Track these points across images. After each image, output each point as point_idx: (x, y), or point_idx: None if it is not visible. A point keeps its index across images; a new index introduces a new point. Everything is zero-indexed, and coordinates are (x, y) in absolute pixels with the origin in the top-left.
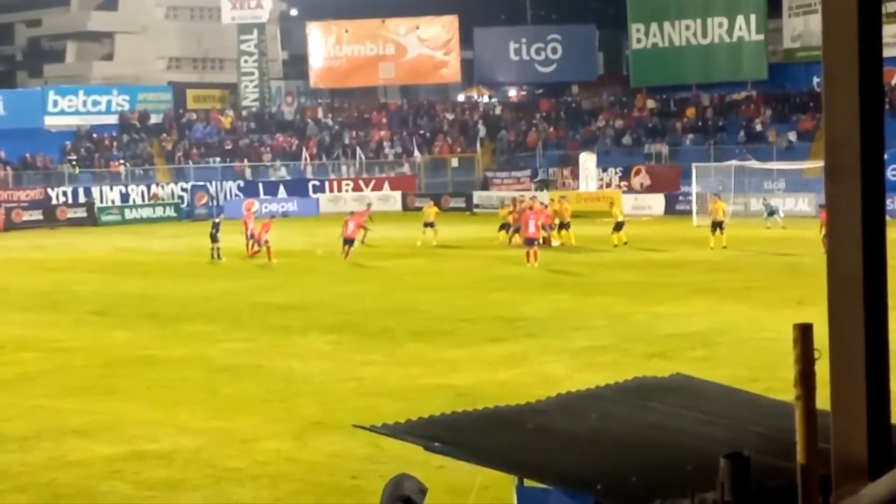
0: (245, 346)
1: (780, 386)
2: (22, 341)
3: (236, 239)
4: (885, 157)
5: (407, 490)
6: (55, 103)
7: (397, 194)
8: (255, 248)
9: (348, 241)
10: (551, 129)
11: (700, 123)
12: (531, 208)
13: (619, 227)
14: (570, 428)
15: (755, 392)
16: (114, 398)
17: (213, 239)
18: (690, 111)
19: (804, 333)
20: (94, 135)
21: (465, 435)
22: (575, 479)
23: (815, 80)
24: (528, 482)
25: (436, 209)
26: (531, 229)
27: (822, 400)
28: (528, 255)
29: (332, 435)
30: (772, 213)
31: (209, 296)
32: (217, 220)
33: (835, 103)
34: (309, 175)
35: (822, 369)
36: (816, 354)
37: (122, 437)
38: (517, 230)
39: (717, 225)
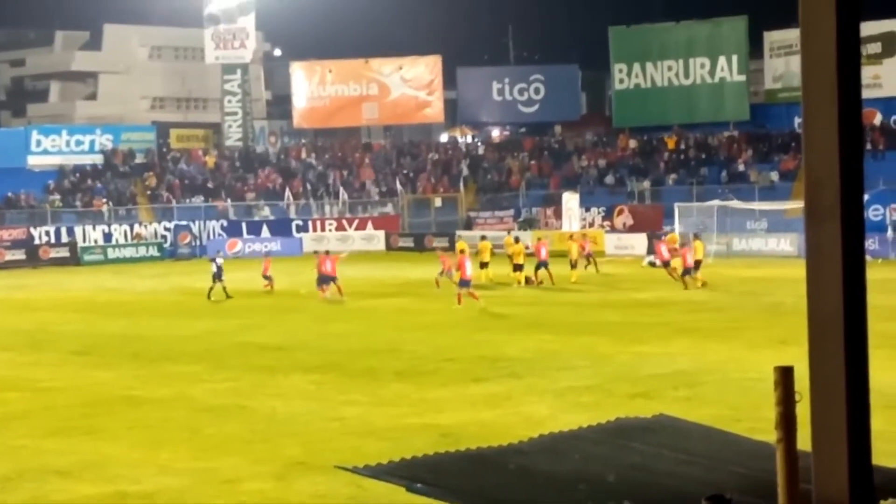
0: (228, 385)
1: (763, 426)
2: (4, 381)
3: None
4: (867, 197)
5: None
6: (38, 143)
7: (381, 234)
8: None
9: (327, 280)
10: (534, 169)
11: (682, 163)
12: (463, 251)
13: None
14: (553, 469)
15: (738, 433)
16: (96, 438)
17: (217, 279)
18: (672, 149)
19: (785, 376)
20: (78, 174)
21: (447, 476)
22: None
23: (797, 120)
24: None
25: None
26: (467, 272)
27: (805, 440)
28: (458, 296)
29: (316, 475)
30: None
31: (192, 335)
32: (218, 260)
33: (815, 144)
34: (292, 215)
35: (805, 409)
36: (798, 397)
37: (104, 477)
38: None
39: (697, 264)
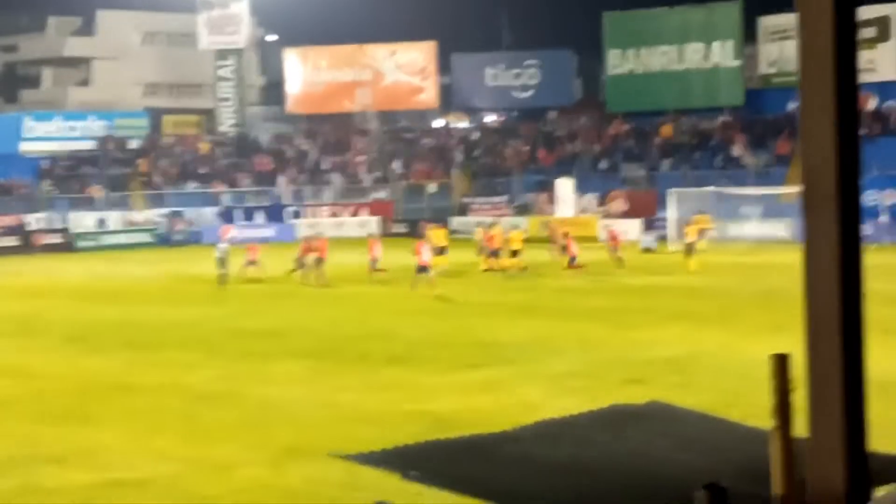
0: (222, 372)
1: (758, 412)
2: None
3: (208, 264)
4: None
5: None
6: (31, 129)
7: (375, 220)
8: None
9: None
10: (528, 155)
11: (677, 149)
12: (422, 237)
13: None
14: (547, 456)
15: (732, 419)
16: (89, 425)
17: (221, 265)
18: (667, 135)
19: (781, 364)
20: (71, 160)
21: (441, 463)
22: None
23: (791, 105)
24: None
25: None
26: (424, 257)
27: (801, 426)
28: (413, 282)
29: (309, 462)
30: (647, 250)
31: (186, 322)
32: (223, 246)
33: (811, 131)
34: (286, 201)
35: (802, 396)
36: (793, 385)
37: (97, 464)
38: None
39: (689, 247)
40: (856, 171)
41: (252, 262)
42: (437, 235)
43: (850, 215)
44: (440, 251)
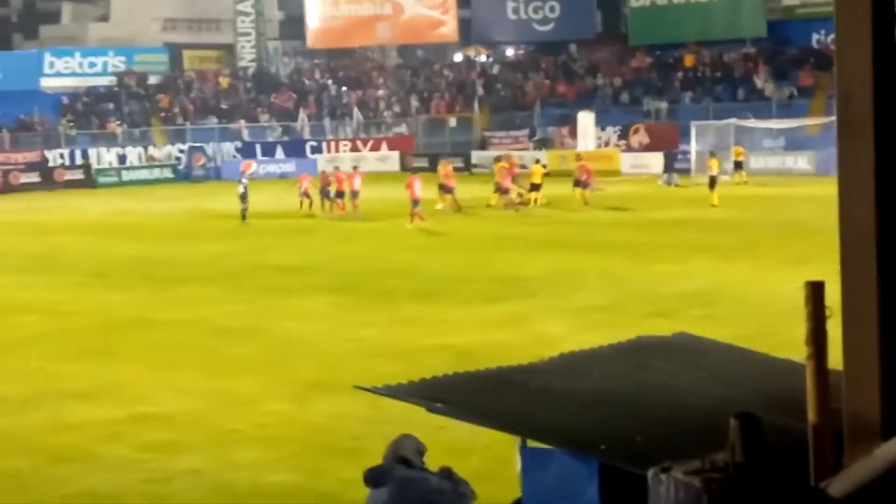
0: (244, 307)
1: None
2: (20, 304)
3: (228, 200)
4: None
5: (405, 450)
6: (51, 65)
7: (395, 154)
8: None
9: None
10: (549, 88)
11: (699, 81)
12: (415, 173)
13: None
14: (572, 388)
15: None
16: (113, 361)
17: (243, 200)
18: (689, 67)
19: (815, 291)
20: (91, 96)
21: (466, 395)
22: (579, 439)
23: (815, 36)
24: (530, 443)
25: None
26: (416, 193)
27: (833, 358)
28: (411, 216)
29: (332, 396)
30: (669, 183)
31: (207, 258)
32: (245, 181)
33: (846, 55)
34: (306, 136)
35: (832, 328)
36: (828, 312)
37: (121, 399)
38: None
39: (713, 181)
40: (892, 98)
41: (306, 195)
42: (444, 173)
43: (886, 142)
44: (448, 190)
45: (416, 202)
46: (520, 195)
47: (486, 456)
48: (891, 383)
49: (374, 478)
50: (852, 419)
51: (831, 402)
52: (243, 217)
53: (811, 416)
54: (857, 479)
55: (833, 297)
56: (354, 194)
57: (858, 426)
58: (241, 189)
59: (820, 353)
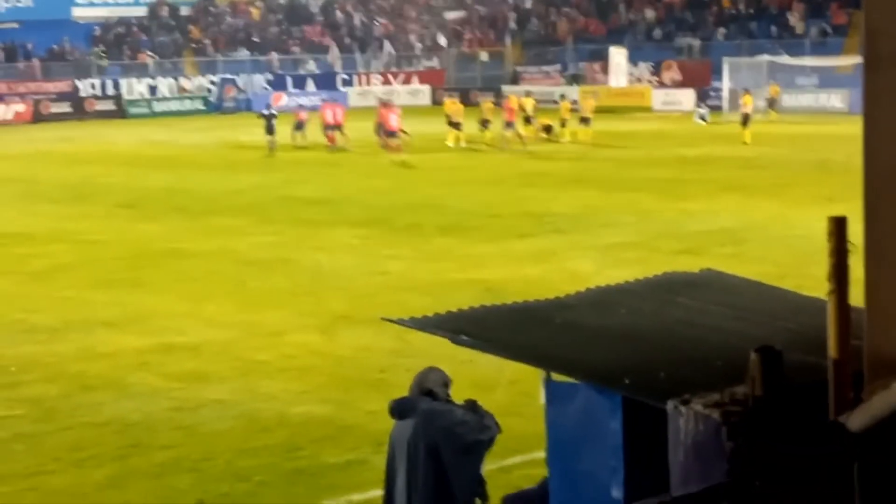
0: (273, 239)
1: (810, 283)
2: (51, 233)
3: (258, 132)
4: None
5: (430, 383)
6: None
7: (426, 88)
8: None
9: (390, 133)
10: (581, 23)
11: (732, 18)
12: (386, 105)
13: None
14: (599, 323)
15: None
16: (142, 291)
17: (270, 131)
18: (723, 4)
19: (838, 226)
20: (123, 26)
21: (492, 329)
22: (603, 373)
23: None
24: (555, 377)
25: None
26: (393, 123)
27: (856, 296)
28: (389, 146)
29: (360, 329)
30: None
31: (237, 189)
32: (271, 113)
33: None
34: (338, 69)
35: (855, 266)
36: (851, 248)
37: (150, 329)
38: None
39: (746, 119)
40: None
41: (336, 127)
42: (452, 109)
43: None
44: (456, 125)
45: (391, 133)
46: (518, 134)
47: (511, 390)
48: None
49: (399, 409)
50: (873, 355)
51: (853, 339)
52: (271, 148)
53: (832, 351)
54: (876, 412)
55: (858, 234)
56: (338, 126)
57: (879, 362)
58: (265, 122)
59: (842, 289)
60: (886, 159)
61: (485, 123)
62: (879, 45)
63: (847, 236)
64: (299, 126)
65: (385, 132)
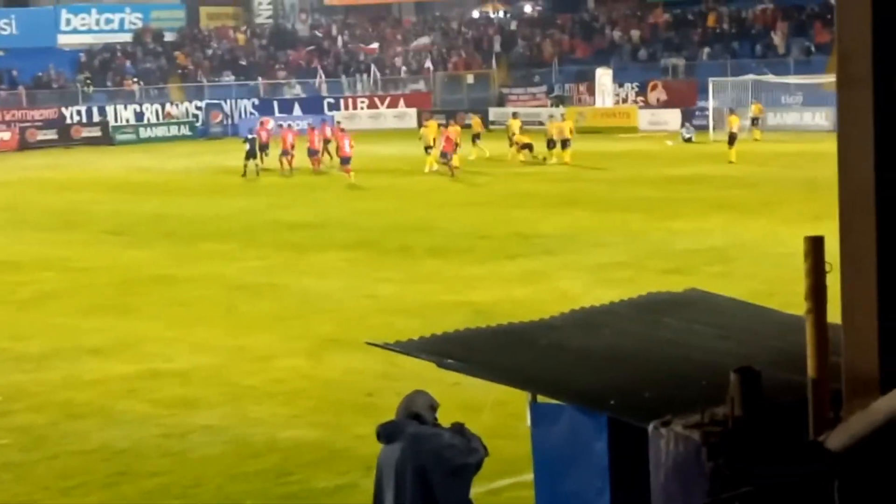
0: (261, 264)
1: (798, 301)
2: (39, 261)
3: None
4: None
5: (418, 406)
6: (68, 21)
7: (412, 111)
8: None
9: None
10: (567, 45)
11: (717, 37)
12: (343, 130)
13: (562, 145)
14: (584, 344)
15: (771, 307)
16: (130, 317)
17: (251, 156)
18: (707, 24)
19: (815, 246)
20: (108, 53)
21: (478, 351)
22: (588, 395)
23: None
24: (541, 398)
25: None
26: (346, 149)
27: (836, 314)
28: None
29: (348, 352)
30: (688, 140)
31: (225, 214)
32: (251, 137)
33: (847, 14)
34: (324, 93)
35: (836, 283)
36: (828, 267)
37: (138, 355)
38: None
39: (732, 138)
40: (892, 54)
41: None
42: (425, 133)
43: (885, 97)
44: (428, 149)
45: (345, 159)
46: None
47: (498, 412)
48: (889, 338)
49: (386, 433)
50: (851, 373)
51: (833, 356)
52: (244, 174)
53: (811, 370)
54: (855, 432)
55: (835, 252)
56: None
57: (857, 380)
58: (247, 146)
59: (819, 308)
60: (860, 177)
61: (475, 139)
62: (852, 66)
63: (824, 255)
64: (285, 153)
65: (340, 157)
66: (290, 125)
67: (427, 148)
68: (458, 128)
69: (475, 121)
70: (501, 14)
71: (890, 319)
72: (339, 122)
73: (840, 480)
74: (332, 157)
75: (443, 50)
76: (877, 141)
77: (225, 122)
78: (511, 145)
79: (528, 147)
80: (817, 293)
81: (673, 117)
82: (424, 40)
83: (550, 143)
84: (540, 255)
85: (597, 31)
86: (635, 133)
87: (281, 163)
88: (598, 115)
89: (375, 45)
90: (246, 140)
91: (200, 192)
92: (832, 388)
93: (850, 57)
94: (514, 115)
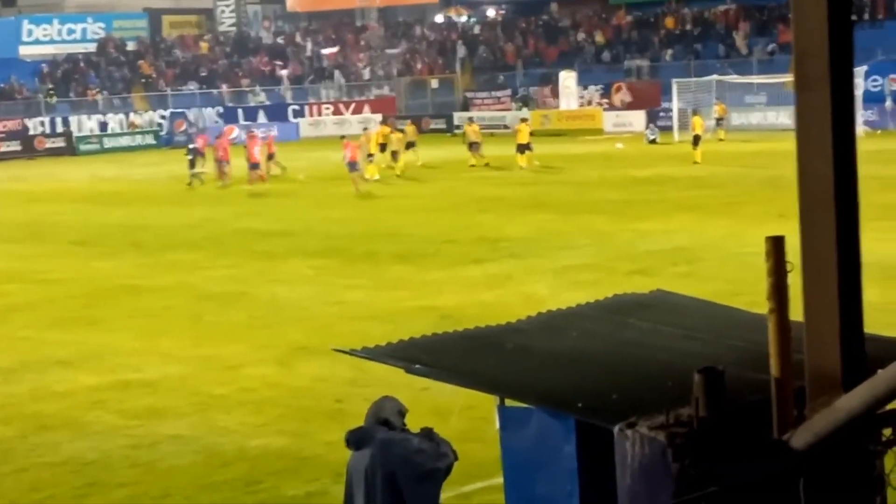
0: (229, 272)
1: (763, 300)
2: (5, 273)
3: (211, 165)
4: (866, 68)
5: (386, 412)
6: (30, 32)
7: (377, 117)
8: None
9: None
10: (531, 48)
11: (679, 38)
12: (252, 136)
13: (521, 149)
14: (550, 347)
15: (736, 306)
16: (98, 328)
17: (192, 165)
18: (670, 25)
19: (776, 246)
20: (70, 63)
21: (445, 356)
22: (555, 398)
23: None
24: (509, 402)
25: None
26: (256, 156)
27: (798, 311)
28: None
29: (317, 360)
30: (653, 141)
31: (191, 223)
32: (193, 147)
33: (803, 14)
34: (288, 100)
35: (798, 280)
36: (789, 266)
37: (106, 366)
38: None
39: (697, 139)
40: (849, 54)
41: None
42: (382, 138)
43: (842, 97)
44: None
45: (254, 165)
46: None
47: (467, 415)
48: (851, 336)
49: (355, 440)
50: (813, 372)
51: (797, 355)
52: (190, 183)
53: (773, 370)
54: (819, 430)
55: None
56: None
57: (819, 379)
58: (189, 156)
59: (782, 308)
60: (819, 176)
61: (472, 147)
62: (808, 65)
63: (785, 255)
64: (254, 166)
65: (248, 163)
66: (253, 133)
67: (369, 156)
68: (388, 130)
69: (409, 128)
70: (465, 18)
71: (850, 318)
72: (251, 131)
73: (805, 478)
74: (278, 164)
75: (406, 55)
76: (835, 140)
77: (189, 131)
78: (469, 150)
79: (475, 146)
80: (779, 292)
81: (637, 119)
82: (388, 46)
83: (520, 148)
84: (506, 259)
85: (560, 34)
86: (600, 135)
87: (221, 172)
88: (562, 117)
89: (338, 51)
90: (188, 150)
91: (166, 202)
92: (795, 387)
93: (806, 56)
94: (471, 121)
